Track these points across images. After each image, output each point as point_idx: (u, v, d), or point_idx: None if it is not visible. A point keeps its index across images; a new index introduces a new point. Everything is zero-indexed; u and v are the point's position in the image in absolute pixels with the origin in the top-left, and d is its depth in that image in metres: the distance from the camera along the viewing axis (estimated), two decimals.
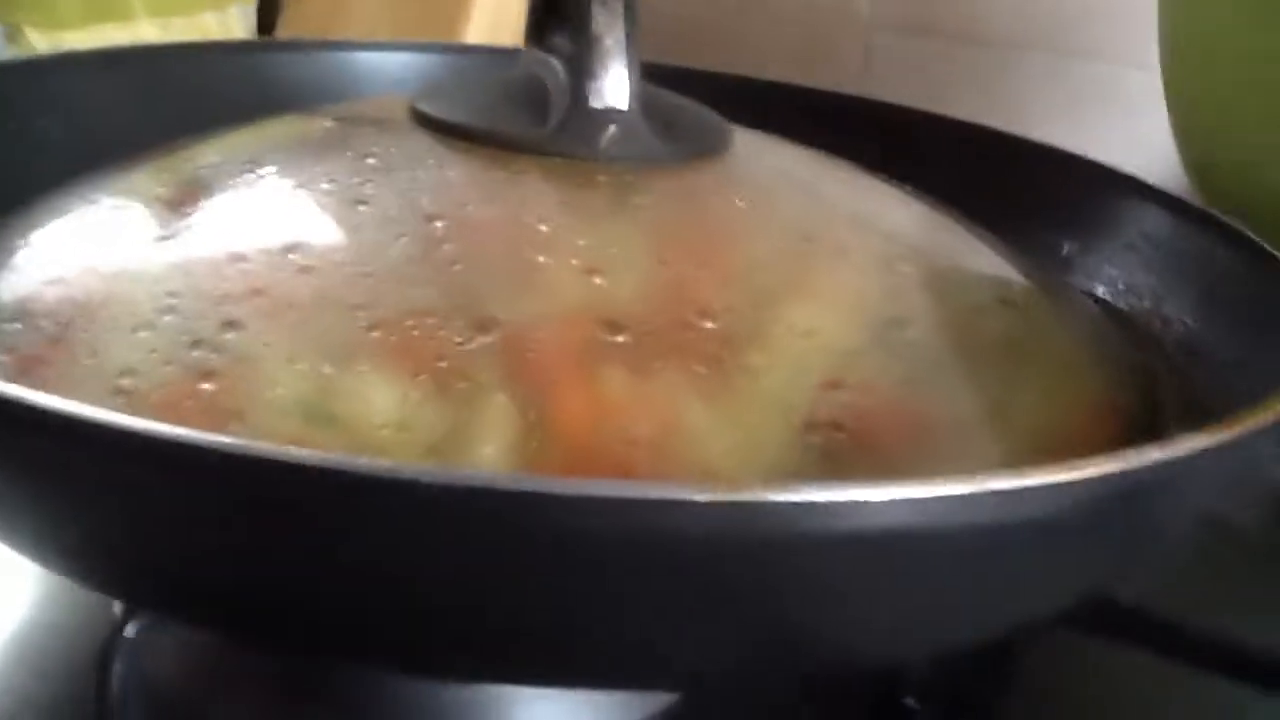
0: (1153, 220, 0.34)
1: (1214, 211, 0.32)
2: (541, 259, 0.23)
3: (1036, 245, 0.38)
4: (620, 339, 0.21)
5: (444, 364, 0.20)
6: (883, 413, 0.22)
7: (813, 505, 0.14)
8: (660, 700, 0.25)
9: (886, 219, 0.28)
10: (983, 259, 0.29)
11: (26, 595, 0.26)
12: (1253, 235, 0.30)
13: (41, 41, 0.42)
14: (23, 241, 0.26)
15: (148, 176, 0.27)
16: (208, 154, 0.28)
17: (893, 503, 0.15)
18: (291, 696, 0.24)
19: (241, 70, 0.38)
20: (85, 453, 0.16)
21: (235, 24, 0.49)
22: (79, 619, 0.23)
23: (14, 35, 0.42)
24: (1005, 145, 0.40)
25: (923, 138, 0.42)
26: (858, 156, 0.33)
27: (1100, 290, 0.36)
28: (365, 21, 0.57)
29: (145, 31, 0.45)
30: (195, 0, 0.47)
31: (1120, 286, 0.35)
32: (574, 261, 0.23)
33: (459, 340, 0.21)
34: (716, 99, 0.33)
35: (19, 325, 0.22)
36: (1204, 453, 0.18)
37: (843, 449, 0.21)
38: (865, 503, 0.14)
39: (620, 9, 0.27)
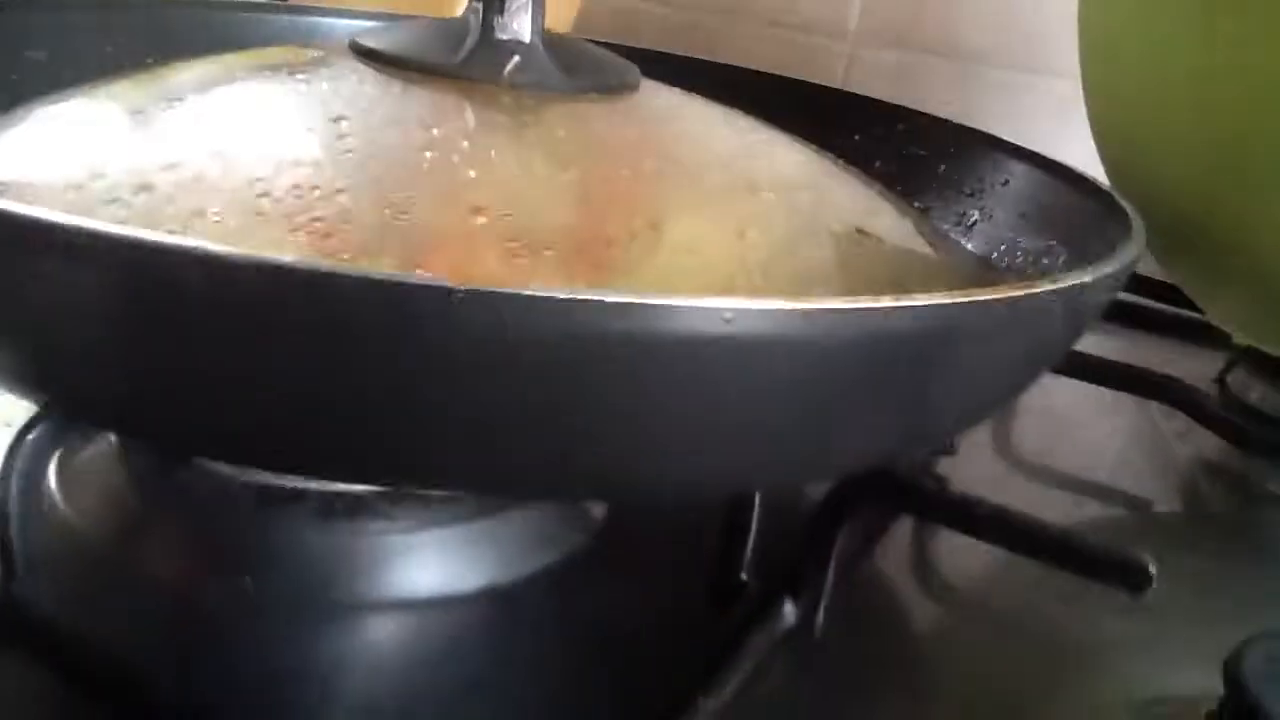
0: (1031, 181, 0.36)
1: (1087, 175, 0.35)
2: (428, 155, 0.26)
3: (952, 213, 0.41)
4: (480, 221, 0.24)
5: (321, 227, 0.24)
6: None
7: (615, 306, 0.17)
8: (543, 559, 0.28)
9: (765, 159, 0.31)
10: (855, 199, 0.32)
11: None
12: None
13: None
14: None
15: (104, 91, 0.30)
16: (166, 72, 0.31)
17: (693, 309, 0.18)
18: (199, 529, 0.27)
19: (214, 25, 0.42)
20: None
21: None
22: None
23: None
24: (931, 124, 0.43)
25: (861, 117, 0.45)
26: (797, 132, 0.36)
27: (997, 253, 0.38)
28: None
29: None
30: None
31: (1014, 249, 0.38)
32: (455, 158, 0.26)
33: (340, 210, 0.24)
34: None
35: None
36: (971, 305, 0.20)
37: None
38: (662, 306, 0.17)
39: None
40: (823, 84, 0.46)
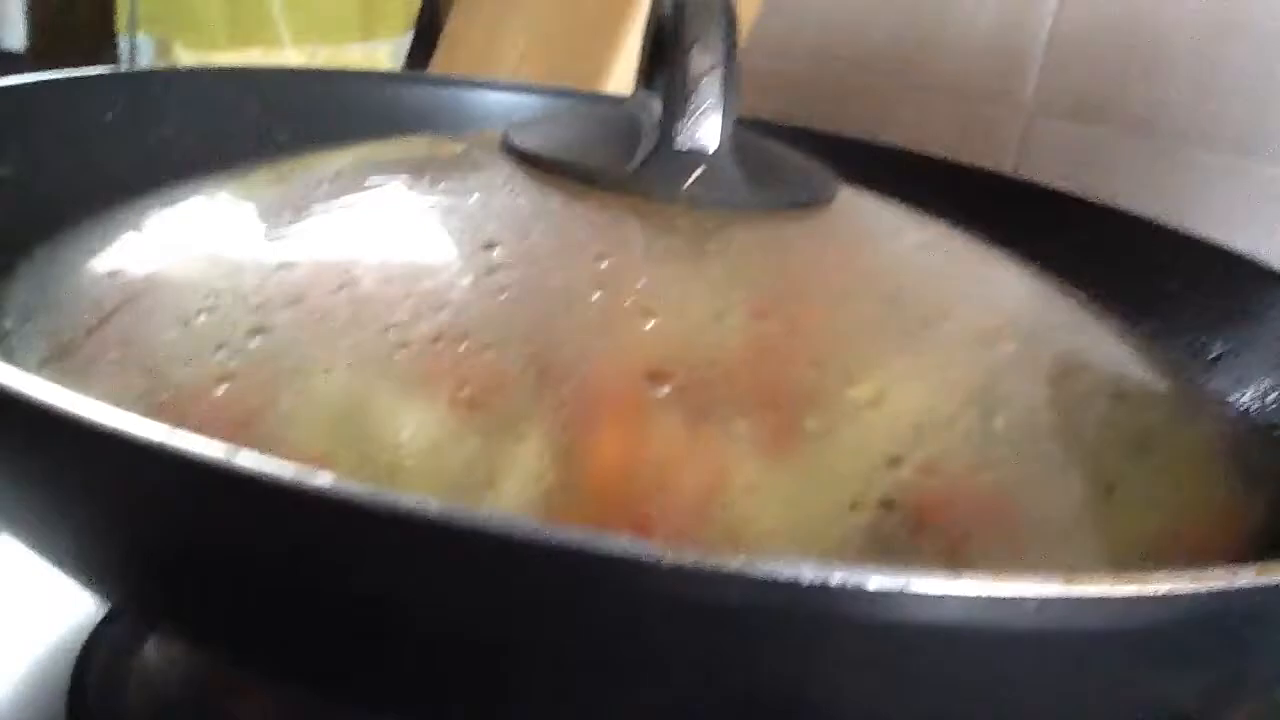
0: None
1: None
2: (595, 297, 0.21)
3: (1183, 342, 0.34)
4: (663, 390, 0.20)
5: (466, 392, 0.19)
6: (954, 500, 0.20)
7: (792, 584, 0.12)
8: None
9: (994, 293, 0.26)
10: (1100, 346, 0.26)
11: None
12: None
13: (188, 58, 0.44)
14: (97, 240, 0.26)
15: (228, 188, 0.27)
16: (293, 168, 0.27)
17: (991, 601, 0.12)
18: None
19: (363, 98, 0.39)
20: (77, 449, 0.15)
21: (382, 58, 0.50)
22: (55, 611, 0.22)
23: (164, 50, 0.44)
24: (1154, 233, 0.37)
25: (1066, 219, 0.39)
26: (996, 235, 0.31)
27: (1247, 396, 0.32)
28: (514, 67, 0.58)
29: (290, 58, 0.46)
30: (342, 31, 0.48)
31: (1269, 395, 0.32)
32: (628, 303, 0.21)
33: (488, 370, 0.20)
34: (860, 166, 0.31)
35: (64, 312, 0.22)
36: None
37: (901, 534, 0.19)
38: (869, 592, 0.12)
39: (721, 51, 0.25)
40: (1025, 179, 0.41)
